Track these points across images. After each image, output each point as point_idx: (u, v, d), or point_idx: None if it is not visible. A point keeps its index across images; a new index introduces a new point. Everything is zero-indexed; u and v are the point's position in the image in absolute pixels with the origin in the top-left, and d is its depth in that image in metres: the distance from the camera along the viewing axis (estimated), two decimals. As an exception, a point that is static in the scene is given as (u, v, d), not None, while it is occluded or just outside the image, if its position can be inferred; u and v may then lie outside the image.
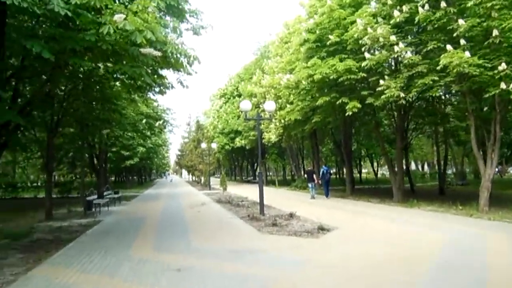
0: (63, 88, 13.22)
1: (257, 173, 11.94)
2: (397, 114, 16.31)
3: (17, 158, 30.33)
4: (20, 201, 23.88)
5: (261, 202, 12.63)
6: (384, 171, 54.98)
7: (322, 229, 9.29)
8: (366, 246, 7.34)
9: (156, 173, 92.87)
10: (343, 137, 21.07)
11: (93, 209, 13.89)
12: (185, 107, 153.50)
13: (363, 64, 12.52)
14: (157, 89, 11.75)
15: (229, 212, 14.04)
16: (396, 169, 16.83)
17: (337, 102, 14.33)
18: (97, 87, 12.26)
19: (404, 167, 20.27)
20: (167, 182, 61.70)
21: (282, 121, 23.47)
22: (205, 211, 14.70)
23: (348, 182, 21.01)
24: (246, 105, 12.75)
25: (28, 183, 28.30)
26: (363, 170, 55.93)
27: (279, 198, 19.91)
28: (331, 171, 34.67)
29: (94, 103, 13.44)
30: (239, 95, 39.44)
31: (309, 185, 19.80)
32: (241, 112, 37.08)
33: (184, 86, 10.51)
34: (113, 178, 54.84)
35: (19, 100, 9.23)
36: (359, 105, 13.68)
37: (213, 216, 12.84)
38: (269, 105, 12.95)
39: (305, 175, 22.87)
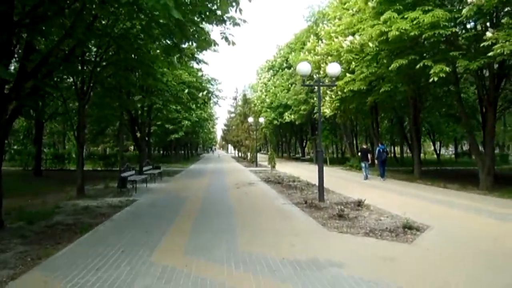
0: (94, 49, 11.64)
1: (317, 150, 9.64)
2: (490, 82, 13.13)
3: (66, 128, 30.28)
4: (66, 173, 23.52)
5: (321, 186, 10.40)
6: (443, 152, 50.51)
7: (409, 227, 6.93)
8: (499, 263, 4.91)
9: (202, 148, 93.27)
10: (413, 111, 17.99)
11: (128, 187, 12.44)
12: (231, 81, 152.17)
13: (464, 11, 9.57)
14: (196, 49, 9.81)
15: (280, 195, 11.99)
16: (484, 150, 13.76)
17: (417, 66, 11.49)
18: (132, 49, 10.50)
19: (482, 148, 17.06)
20: (213, 157, 61.04)
21: (339, 93, 20.78)
22: (253, 192, 12.76)
23: (416, 164, 18.14)
24: (304, 67, 10.38)
25: (74, 154, 28.07)
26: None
27: (334, 179, 17.52)
28: (387, 150, 31.61)
29: (129, 68, 11.73)
30: (289, 67, 36.77)
31: (363, 164, 18.09)
32: (290, 84, 34.54)
33: (229, 42, 8.37)
34: (160, 152, 55.12)
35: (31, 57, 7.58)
36: (447, 69, 10.77)
37: (262, 200, 10.84)
38: (333, 68, 10.47)
39: (359, 154, 20.32)
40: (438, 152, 41.61)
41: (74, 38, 8.33)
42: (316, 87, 22.23)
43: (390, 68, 12.25)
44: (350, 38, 15.20)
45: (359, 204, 9.57)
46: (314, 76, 23.87)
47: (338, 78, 19.80)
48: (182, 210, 9.06)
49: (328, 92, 22.17)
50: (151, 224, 7.33)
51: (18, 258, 5.24)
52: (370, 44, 14.04)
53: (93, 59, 11.62)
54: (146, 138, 22.67)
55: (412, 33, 11.00)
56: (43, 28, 7.56)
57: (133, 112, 19.63)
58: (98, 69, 11.94)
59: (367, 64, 15.32)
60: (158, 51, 10.72)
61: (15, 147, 24.70)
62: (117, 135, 30.88)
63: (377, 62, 15.67)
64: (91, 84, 11.82)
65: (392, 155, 41.90)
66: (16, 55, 10.03)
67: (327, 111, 22.62)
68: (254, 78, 56.33)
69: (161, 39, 9.44)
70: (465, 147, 52.85)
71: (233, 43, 8.46)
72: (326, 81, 17.03)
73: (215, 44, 8.82)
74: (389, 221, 7.76)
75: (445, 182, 15.17)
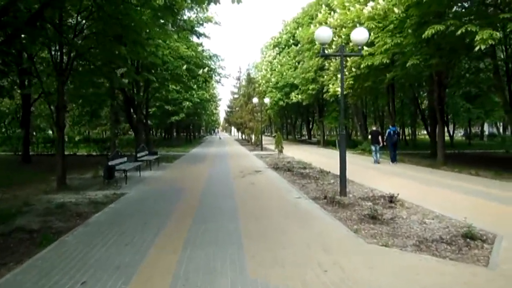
0: (74, 15, 9.81)
1: (339, 133, 7.85)
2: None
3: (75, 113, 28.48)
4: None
5: (344, 178, 8.70)
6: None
7: (471, 237, 5.27)
8: None
9: (205, 130, 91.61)
10: (437, 89, 16.09)
11: (117, 176, 10.81)
12: (234, 61, 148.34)
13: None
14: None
15: (293, 186, 10.32)
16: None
17: (458, 32, 9.59)
18: (118, 13, 8.68)
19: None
20: (215, 140, 59.36)
21: (353, 69, 18.87)
22: (260, 182, 11.10)
23: (440, 147, 16.33)
24: (324, 33, 8.52)
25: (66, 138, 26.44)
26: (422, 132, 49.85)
27: (349, 166, 15.83)
28: (399, 132, 29.88)
29: (114, 38, 9.88)
30: (296, 43, 34.56)
31: (373, 147, 17.19)
32: (297, 62, 32.40)
33: (233, -1, 6.55)
34: (162, 135, 53.51)
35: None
36: (498, 34, 8.88)
37: (272, 194, 9.17)
38: (359, 34, 8.61)
39: (369, 137, 18.86)
40: (452, 134, 39.67)
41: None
42: (337, 58, 20.51)
43: (423, 36, 10.33)
44: (371, 3, 13.19)
45: (391, 200, 7.90)
46: (327, 51, 21.93)
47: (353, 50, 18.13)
48: (176, 209, 7.40)
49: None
50: (134, 233, 5.69)
51: None
52: (396, 10, 12.12)
53: (72, 26, 9.78)
54: (144, 121, 20.97)
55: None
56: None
57: (127, 91, 17.87)
58: (80, 41, 10.17)
59: (390, 34, 13.34)
60: (147, 14, 8.87)
61: (3, 130, 23.03)
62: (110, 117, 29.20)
63: (400, 32, 13.74)
64: (71, 57, 10.04)
65: (402, 137, 40.05)
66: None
67: (339, 89, 20.73)
68: (258, 57, 54.03)
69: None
70: (474, 129, 51.12)
71: (239, 1, 6.67)
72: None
73: (216, 0, 7.02)
74: (438, 225, 6.09)
75: (475, 169, 13.45)
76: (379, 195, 8.65)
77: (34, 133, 22.95)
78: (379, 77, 18.47)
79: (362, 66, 16.67)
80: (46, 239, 5.35)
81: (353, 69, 18.90)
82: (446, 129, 40.35)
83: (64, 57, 9.97)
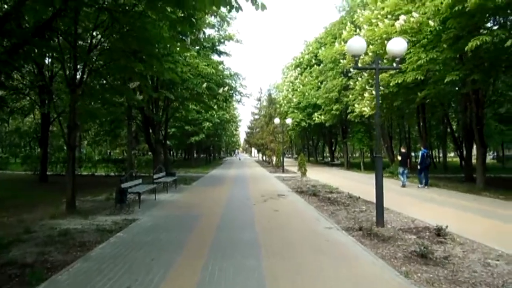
0: (90, 26, 9.35)
1: (375, 155, 6.82)
2: None
3: (85, 133, 28.57)
4: (76, 179, 21.61)
5: (380, 207, 7.64)
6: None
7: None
8: None
9: (225, 151, 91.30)
10: (475, 108, 14.87)
11: (130, 199, 10.07)
12: (255, 82, 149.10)
13: None
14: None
15: (321, 213, 9.29)
16: None
17: (508, 43, 8.57)
18: (135, 27, 8.14)
19: None
20: (235, 161, 58.66)
21: (382, 88, 17.89)
22: (284, 209, 10.10)
23: (480, 172, 14.97)
24: (357, 43, 7.69)
25: (85, 158, 26.23)
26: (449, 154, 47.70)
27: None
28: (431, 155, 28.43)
29: (130, 52, 9.35)
30: (319, 63, 33.89)
31: (401, 170, 16.42)
32: (320, 82, 31.59)
33: (257, 5, 5.88)
34: (181, 155, 53.27)
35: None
36: None
37: (299, 223, 8.16)
38: (397, 44, 7.72)
39: (399, 159, 17.94)
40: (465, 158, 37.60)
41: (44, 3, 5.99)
42: (363, 77, 19.60)
43: (466, 49, 9.34)
44: (403, 17, 12.32)
45: (439, 233, 6.78)
46: (351, 70, 21.06)
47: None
48: (189, 241, 6.49)
49: (367, 88, 19.32)
50: (139, 271, 4.81)
51: None
52: (431, 23, 11.17)
53: (88, 40, 9.30)
54: (163, 141, 20.44)
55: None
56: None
57: (146, 110, 17.42)
58: (95, 57, 9.69)
59: (423, 50, 12.37)
60: (165, 27, 8.28)
61: (24, 149, 22.95)
62: (134, 136, 28.94)
63: (434, 47, 12.78)
64: (86, 73, 9.54)
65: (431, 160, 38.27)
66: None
67: (366, 109, 19.74)
68: (279, 78, 53.71)
69: (165, 7, 7.05)
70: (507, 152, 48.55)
71: (263, 7, 5.99)
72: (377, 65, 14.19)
73: (238, 8, 6.32)
74: (506, 267, 4.97)
75: (522, 196, 12.08)
76: (422, 227, 7.54)
77: (54, 152, 22.70)
78: (409, 96, 17.43)
79: (391, 84, 15.68)
80: (35, 278, 4.55)
81: (381, 88, 17.95)
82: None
83: (78, 73, 9.49)
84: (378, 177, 7.72)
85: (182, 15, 7.33)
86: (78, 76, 9.52)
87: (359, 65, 16.31)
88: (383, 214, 7.73)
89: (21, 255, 5.63)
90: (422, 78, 12.84)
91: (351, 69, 20.31)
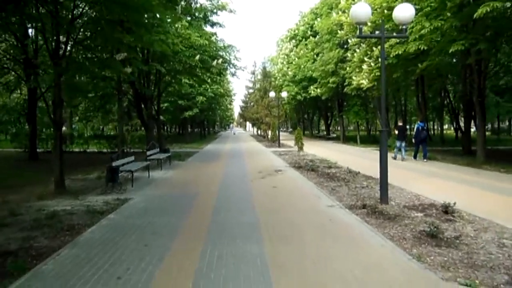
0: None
1: (381, 129, 6.41)
2: None
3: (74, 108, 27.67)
4: (68, 156, 21.04)
5: (385, 183, 7.31)
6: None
7: None
8: None
9: (220, 126, 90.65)
10: (477, 79, 14.43)
11: (122, 178, 9.66)
12: (249, 55, 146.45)
13: None
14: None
15: (321, 190, 8.97)
16: None
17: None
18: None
19: None
20: (230, 135, 58.18)
21: (380, 59, 17.33)
22: (283, 185, 9.77)
23: (480, 144, 14.70)
24: (362, 10, 7.14)
25: (75, 134, 25.59)
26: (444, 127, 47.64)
27: (377, 164, 14.42)
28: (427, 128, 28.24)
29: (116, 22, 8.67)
30: (314, 35, 32.95)
31: (398, 144, 16.20)
32: (316, 54, 30.74)
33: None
34: (175, 130, 52.65)
35: None
36: None
37: (299, 201, 7.84)
38: (404, 10, 7.18)
39: (395, 132, 17.72)
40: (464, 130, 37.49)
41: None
42: (361, 48, 18.94)
43: (475, 16, 8.80)
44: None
45: (446, 210, 6.48)
46: (350, 40, 20.36)
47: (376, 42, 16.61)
48: (185, 224, 6.13)
49: (366, 59, 18.69)
50: (132, 259, 4.44)
51: None
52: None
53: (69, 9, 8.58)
54: (156, 116, 19.83)
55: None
56: None
57: (137, 85, 16.74)
58: (78, 24, 8.99)
59: (427, 18, 11.75)
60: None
61: (13, 126, 22.26)
62: (126, 112, 28.24)
63: (438, 16, 12.16)
64: (69, 45, 8.88)
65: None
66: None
67: (364, 82, 19.20)
68: (273, 51, 52.48)
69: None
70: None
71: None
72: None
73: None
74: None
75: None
76: (428, 203, 7.25)
77: (44, 129, 22.03)
78: (408, 67, 16.92)
79: (391, 55, 15.11)
80: (18, 268, 4.17)
81: (379, 59, 17.38)
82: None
83: (62, 45, 8.83)
84: (382, 152, 7.38)
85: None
86: (62, 49, 8.87)
87: (369, 32, 15.70)
88: (387, 190, 7.41)
89: (5, 241, 5.24)
90: (426, 48, 12.27)
91: (352, 39, 19.53)
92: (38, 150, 19.15)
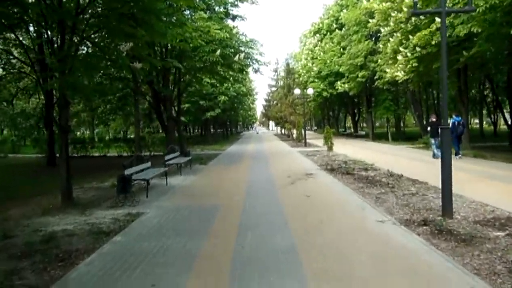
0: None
1: (440, 126, 4.97)
2: None
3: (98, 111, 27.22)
4: (88, 160, 20.50)
5: (448, 192, 5.91)
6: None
7: None
8: None
9: (242, 125, 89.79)
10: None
11: (137, 185, 8.66)
12: (271, 52, 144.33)
13: None
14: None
15: (363, 199, 7.64)
16: None
17: None
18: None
19: None
20: (253, 135, 57.04)
21: (418, 49, 15.79)
22: (317, 194, 8.46)
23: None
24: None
25: (96, 139, 25.08)
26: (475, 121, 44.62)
27: (417, 165, 13.03)
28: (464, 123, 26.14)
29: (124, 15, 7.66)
30: (340, 27, 31.35)
31: (432, 140, 15.20)
32: (343, 48, 29.07)
33: None
34: (197, 131, 52.03)
35: None
36: None
37: (341, 216, 6.52)
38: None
39: (429, 128, 16.31)
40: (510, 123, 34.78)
41: None
42: (394, 38, 17.34)
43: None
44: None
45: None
46: (383, 29, 18.78)
47: (416, 27, 15.06)
48: (204, 249, 4.96)
49: (401, 49, 17.11)
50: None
51: None
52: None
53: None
54: (177, 117, 18.89)
55: None
56: None
57: (155, 85, 15.84)
58: (84, 19, 8.02)
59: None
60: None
61: (33, 131, 21.89)
62: (147, 114, 27.61)
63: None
64: (74, 40, 7.92)
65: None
66: None
67: (399, 74, 17.63)
68: (296, 47, 50.96)
69: None
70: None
71: None
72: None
73: None
74: None
75: None
76: (504, 217, 5.83)
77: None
78: (451, 56, 15.25)
79: (433, 42, 13.56)
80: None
81: (417, 49, 15.83)
82: (503, 118, 35.63)
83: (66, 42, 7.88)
84: (445, 155, 5.96)
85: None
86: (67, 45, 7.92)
87: (404, 19, 14.14)
88: (452, 201, 6.00)
89: (-17, 276, 4.23)
90: (479, 30, 10.67)
91: (385, 28, 17.91)
92: (57, 155, 18.61)
